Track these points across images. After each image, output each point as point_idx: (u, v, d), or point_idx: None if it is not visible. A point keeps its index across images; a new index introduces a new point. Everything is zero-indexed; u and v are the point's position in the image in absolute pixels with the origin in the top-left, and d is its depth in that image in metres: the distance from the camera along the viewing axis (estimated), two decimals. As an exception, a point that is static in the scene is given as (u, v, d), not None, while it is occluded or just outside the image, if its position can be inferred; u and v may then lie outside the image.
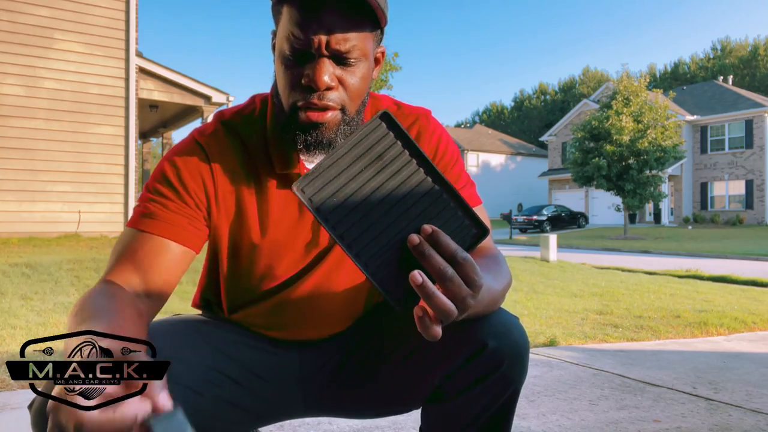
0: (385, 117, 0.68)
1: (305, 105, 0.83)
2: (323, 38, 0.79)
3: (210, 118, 1.01)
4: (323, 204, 0.66)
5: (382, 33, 0.89)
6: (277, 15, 0.85)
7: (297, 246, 0.95)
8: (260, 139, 0.93)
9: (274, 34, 0.88)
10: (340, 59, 0.82)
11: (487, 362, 0.85)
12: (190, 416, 0.85)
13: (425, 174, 0.67)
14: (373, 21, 0.83)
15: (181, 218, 0.87)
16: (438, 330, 0.63)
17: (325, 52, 0.80)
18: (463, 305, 0.63)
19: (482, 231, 0.67)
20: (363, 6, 0.79)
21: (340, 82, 0.83)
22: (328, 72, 0.81)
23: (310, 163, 0.93)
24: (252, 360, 0.98)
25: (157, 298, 0.85)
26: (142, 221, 0.86)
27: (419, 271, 0.61)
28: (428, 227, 0.64)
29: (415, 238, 0.62)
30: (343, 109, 0.84)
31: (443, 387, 0.90)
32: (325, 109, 0.83)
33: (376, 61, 0.91)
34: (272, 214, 0.93)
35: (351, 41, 0.81)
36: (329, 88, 0.82)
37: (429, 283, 0.61)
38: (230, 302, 1.01)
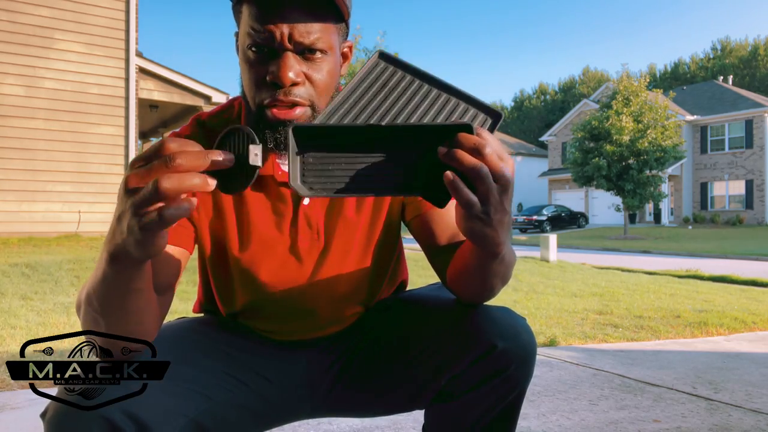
0: (382, 55, 0.76)
1: (272, 103, 0.80)
2: (285, 30, 0.77)
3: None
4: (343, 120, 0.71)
5: (347, 27, 0.87)
6: (237, 15, 0.84)
7: (278, 249, 0.93)
8: None
9: (237, 35, 0.86)
10: (305, 53, 0.80)
11: (494, 364, 0.85)
12: (201, 421, 0.85)
13: (429, 87, 0.73)
14: (336, 13, 0.81)
15: None
16: (468, 192, 0.64)
17: (288, 46, 0.78)
18: (492, 198, 0.64)
19: (497, 116, 0.71)
20: None
21: (307, 77, 0.81)
22: (293, 67, 0.78)
23: (284, 165, 0.90)
24: (259, 363, 0.97)
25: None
26: None
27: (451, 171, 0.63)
28: (443, 149, 0.63)
29: (442, 150, 0.63)
30: (312, 106, 0.82)
31: (449, 386, 0.90)
32: (293, 105, 0.80)
33: (344, 57, 0.90)
34: (252, 214, 0.92)
35: (314, 33, 0.78)
36: (295, 84, 0.79)
37: (459, 180, 0.63)
38: (227, 310, 1.01)
